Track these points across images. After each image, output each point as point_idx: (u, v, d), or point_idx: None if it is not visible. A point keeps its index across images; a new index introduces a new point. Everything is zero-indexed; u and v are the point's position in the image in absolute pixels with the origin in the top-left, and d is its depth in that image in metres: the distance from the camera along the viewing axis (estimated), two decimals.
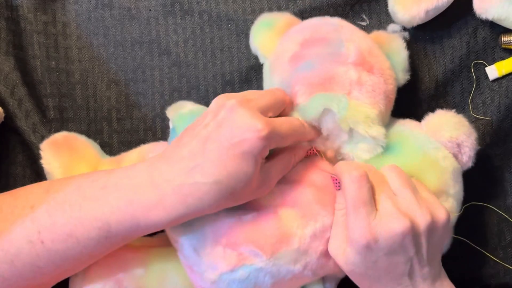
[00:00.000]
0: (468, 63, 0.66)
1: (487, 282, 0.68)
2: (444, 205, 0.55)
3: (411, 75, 0.66)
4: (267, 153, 0.50)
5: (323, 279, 0.56)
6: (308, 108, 0.55)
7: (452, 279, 0.68)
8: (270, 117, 0.52)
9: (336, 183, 0.53)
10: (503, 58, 0.66)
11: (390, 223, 0.49)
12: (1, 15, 0.67)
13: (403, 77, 0.61)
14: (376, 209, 0.51)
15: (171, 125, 0.63)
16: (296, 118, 0.54)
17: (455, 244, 0.63)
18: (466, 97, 0.66)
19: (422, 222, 0.50)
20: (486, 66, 0.66)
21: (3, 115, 0.65)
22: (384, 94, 0.56)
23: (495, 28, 0.65)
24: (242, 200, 0.50)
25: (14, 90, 0.66)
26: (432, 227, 0.51)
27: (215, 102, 0.51)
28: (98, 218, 0.49)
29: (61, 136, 0.64)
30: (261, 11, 0.68)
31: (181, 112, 0.61)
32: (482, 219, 0.67)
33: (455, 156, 0.58)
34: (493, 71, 0.65)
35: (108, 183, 0.50)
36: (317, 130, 0.56)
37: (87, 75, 0.69)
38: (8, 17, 0.67)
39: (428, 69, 0.66)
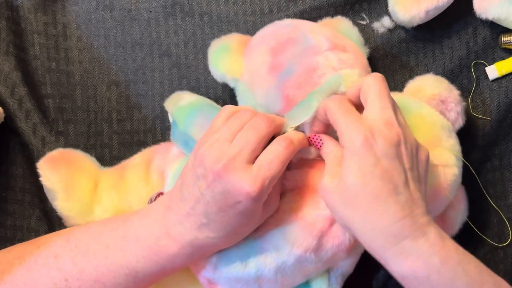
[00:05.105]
0: (468, 63, 0.66)
1: None
2: (441, 156, 0.56)
3: (411, 75, 0.66)
4: (266, 197, 0.50)
5: (329, 274, 0.56)
6: (307, 105, 0.54)
7: None
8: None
9: (316, 141, 0.54)
10: (503, 58, 0.66)
11: (384, 127, 0.49)
12: (1, 15, 0.67)
13: (365, 51, 0.63)
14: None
15: (170, 118, 0.63)
16: (280, 137, 0.52)
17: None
18: (466, 96, 0.66)
19: (413, 141, 0.51)
20: (486, 66, 0.66)
21: (3, 115, 0.65)
22: (363, 67, 0.57)
23: (495, 28, 0.66)
24: (256, 226, 0.53)
25: (14, 90, 0.66)
26: (419, 150, 0.51)
27: (199, 160, 0.50)
28: (124, 266, 0.52)
29: (57, 152, 0.64)
30: (262, 12, 0.68)
31: (180, 105, 0.61)
32: (483, 219, 0.67)
33: (443, 113, 0.59)
34: (493, 71, 0.65)
35: (128, 233, 0.53)
36: (304, 135, 0.55)
37: (88, 76, 0.69)
38: (8, 17, 0.67)
39: (428, 69, 0.66)
